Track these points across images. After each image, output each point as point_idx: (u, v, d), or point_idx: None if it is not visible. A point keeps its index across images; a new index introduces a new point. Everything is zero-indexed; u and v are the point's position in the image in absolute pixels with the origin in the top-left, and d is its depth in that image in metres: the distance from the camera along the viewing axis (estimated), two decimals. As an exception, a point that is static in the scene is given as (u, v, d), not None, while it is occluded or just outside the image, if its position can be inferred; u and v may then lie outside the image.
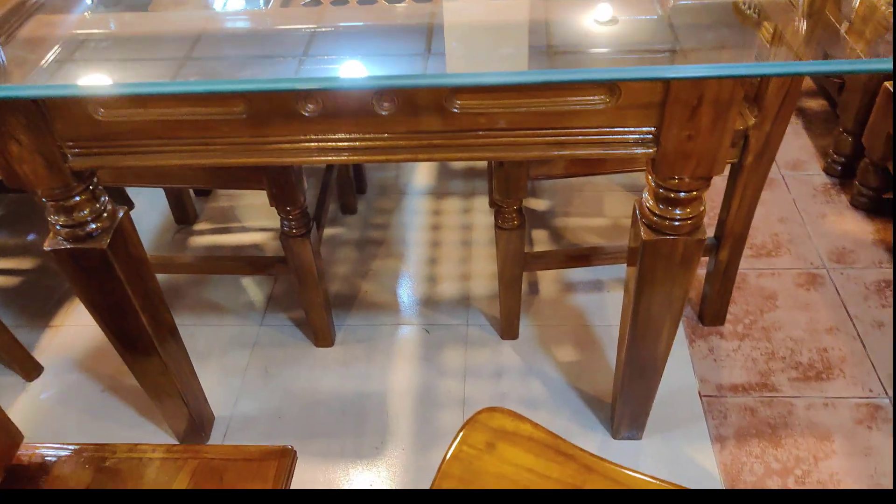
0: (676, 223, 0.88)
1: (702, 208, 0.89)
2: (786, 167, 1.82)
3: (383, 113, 0.80)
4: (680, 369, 1.35)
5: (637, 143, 0.81)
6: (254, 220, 1.80)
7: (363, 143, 0.83)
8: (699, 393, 1.32)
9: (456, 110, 0.80)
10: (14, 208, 1.88)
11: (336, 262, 1.67)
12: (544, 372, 1.38)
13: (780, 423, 1.26)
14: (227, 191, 1.90)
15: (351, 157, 0.85)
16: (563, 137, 0.82)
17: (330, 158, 0.85)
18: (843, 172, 1.75)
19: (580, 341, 1.43)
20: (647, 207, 0.90)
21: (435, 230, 1.73)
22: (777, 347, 1.38)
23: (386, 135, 0.83)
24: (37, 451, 0.87)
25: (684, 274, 0.94)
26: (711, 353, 1.39)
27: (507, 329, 1.44)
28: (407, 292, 1.58)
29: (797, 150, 1.87)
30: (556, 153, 0.83)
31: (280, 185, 1.18)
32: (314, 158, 0.85)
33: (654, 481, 0.68)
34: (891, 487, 1.14)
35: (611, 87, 0.77)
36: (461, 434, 0.71)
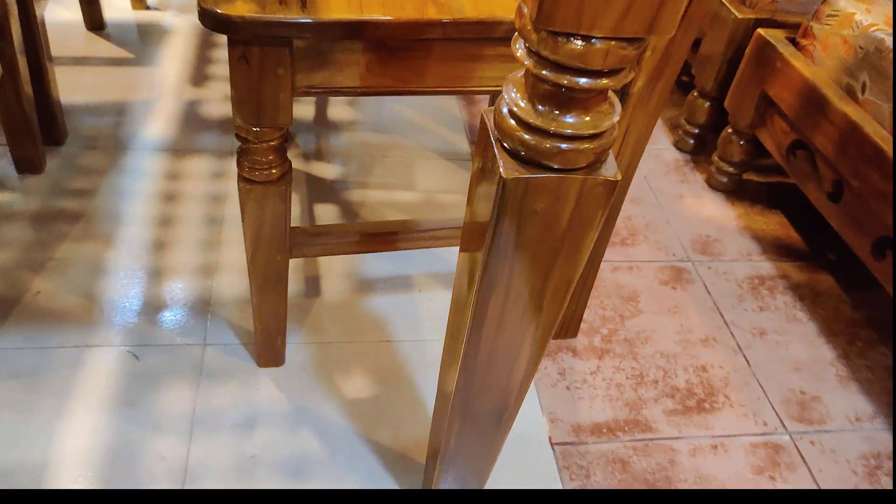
0: (565, 146, 0.44)
1: (614, 119, 0.45)
2: (631, 140, 1.50)
3: None
4: (523, 405, 0.93)
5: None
6: None
7: None
8: (550, 440, 0.90)
9: None
10: None
11: (-9, 245, 1.04)
12: (321, 417, 0.89)
13: (660, 478, 0.88)
14: None
15: None
16: None
17: None
18: (696, 148, 1.46)
19: (378, 367, 0.96)
20: (514, 113, 0.44)
21: (168, 201, 1.16)
22: (646, 367, 1.02)
23: None
24: None
25: (576, 246, 0.50)
26: (563, 379, 0.98)
27: (266, 351, 0.92)
28: (108, 293, 1.00)
29: (639, 123, 1.56)
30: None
31: None
32: None
33: None
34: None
35: None
36: None
